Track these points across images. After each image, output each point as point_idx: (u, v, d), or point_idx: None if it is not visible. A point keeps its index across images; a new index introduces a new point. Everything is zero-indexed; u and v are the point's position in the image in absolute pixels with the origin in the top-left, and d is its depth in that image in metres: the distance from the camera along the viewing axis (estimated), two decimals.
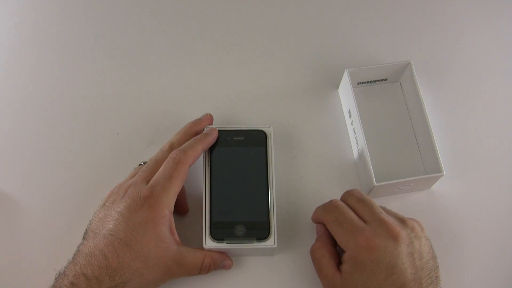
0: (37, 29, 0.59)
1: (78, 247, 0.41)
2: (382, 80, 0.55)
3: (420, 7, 0.61)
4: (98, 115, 0.54)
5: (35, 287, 0.45)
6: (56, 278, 0.39)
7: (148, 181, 0.42)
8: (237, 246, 0.44)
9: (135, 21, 0.60)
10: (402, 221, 0.42)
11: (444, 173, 0.46)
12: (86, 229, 0.42)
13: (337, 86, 0.55)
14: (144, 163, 0.46)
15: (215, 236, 0.44)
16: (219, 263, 0.44)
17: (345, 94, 0.52)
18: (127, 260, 0.39)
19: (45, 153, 0.52)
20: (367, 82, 0.55)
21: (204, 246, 0.44)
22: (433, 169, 0.48)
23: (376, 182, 0.46)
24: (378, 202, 0.49)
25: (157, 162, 0.44)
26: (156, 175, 0.43)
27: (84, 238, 0.42)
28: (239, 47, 0.58)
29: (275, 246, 0.44)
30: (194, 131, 0.47)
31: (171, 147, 0.45)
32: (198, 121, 0.48)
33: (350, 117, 0.52)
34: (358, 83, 0.55)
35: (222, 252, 0.45)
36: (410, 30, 0.59)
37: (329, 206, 0.44)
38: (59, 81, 0.56)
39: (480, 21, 0.60)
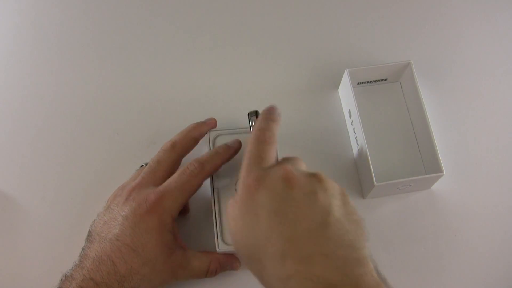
0: (37, 29, 0.59)
1: (84, 249, 0.40)
2: (382, 80, 0.55)
3: (420, 7, 0.61)
4: (98, 115, 0.54)
5: None
6: (62, 280, 0.38)
7: (152, 184, 0.42)
8: None
9: (135, 21, 0.60)
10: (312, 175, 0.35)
11: (444, 173, 0.46)
12: (90, 231, 0.42)
13: (337, 86, 0.55)
14: (146, 164, 0.45)
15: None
16: (226, 266, 0.44)
17: (345, 94, 0.52)
18: (135, 267, 0.38)
19: (45, 153, 0.52)
20: (367, 82, 0.55)
21: (217, 249, 0.44)
22: (433, 169, 0.48)
23: (376, 182, 0.45)
24: (378, 202, 0.50)
25: (159, 163, 0.44)
26: (168, 181, 0.42)
27: (88, 240, 0.41)
28: (239, 47, 0.58)
29: None
30: (197, 133, 0.47)
31: (173, 146, 0.45)
32: (202, 124, 0.48)
33: (350, 117, 0.52)
34: (358, 83, 0.55)
35: (230, 254, 0.45)
36: (410, 30, 0.59)
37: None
38: (59, 81, 0.56)
39: (480, 21, 0.60)
